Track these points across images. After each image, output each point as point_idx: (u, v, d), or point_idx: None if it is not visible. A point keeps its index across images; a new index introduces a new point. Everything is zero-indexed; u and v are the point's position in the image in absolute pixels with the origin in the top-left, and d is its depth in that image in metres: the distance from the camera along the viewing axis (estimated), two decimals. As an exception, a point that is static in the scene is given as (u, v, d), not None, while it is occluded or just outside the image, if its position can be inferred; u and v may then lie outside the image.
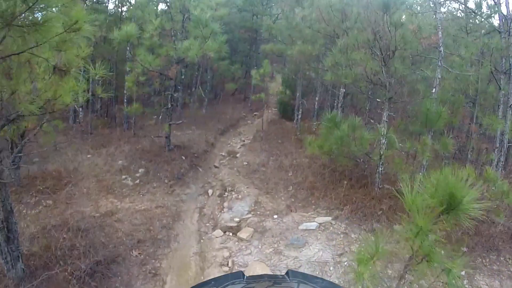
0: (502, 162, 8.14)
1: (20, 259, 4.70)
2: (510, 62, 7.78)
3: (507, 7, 7.53)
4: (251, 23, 19.09)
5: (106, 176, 8.73)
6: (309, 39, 11.50)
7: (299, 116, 13.86)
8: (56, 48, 3.34)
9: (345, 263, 6.13)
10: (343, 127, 7.70)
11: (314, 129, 13.46)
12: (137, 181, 8.95)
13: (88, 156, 10.09)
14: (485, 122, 8.20)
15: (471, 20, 11.16)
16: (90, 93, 13.11)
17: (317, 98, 14.24)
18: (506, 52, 7.72)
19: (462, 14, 11.25)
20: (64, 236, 5.61)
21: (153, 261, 5.85)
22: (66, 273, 4.77)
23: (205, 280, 4.68)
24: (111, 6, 15.73)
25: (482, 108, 9.25)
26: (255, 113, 17.84)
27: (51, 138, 8.73)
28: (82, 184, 8.02)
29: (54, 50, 3.37)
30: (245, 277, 1.97)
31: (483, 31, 9.44)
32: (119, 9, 15.15)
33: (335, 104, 14.58)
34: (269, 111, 14.35)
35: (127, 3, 14.86)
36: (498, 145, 8.04)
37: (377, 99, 8.61)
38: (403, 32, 7.17)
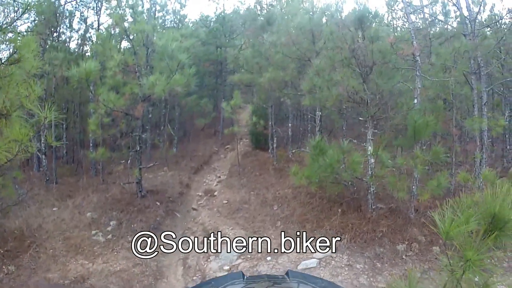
0: (485, 159, 8.20)
1: None
2: (479, 62, 8.04)
3: (469, 10, 7.78)
4: (215, 56, 18.79)
5: (74, 233, 7.59)
6: (280, 64, 10.99)
7: (274, 145, 13.03)
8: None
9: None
10: (331, 152, 7.19)
11: (291, 157, 12.82)
12: (109, 236, 7.86)
13: (54, 209, 8.88)
14: (467, 123, 8.21)
15: (433, 29, 11.58)
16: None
17: (289, 125, 13.71)
18: (474, 53, 7.90)
19: (423, 23, 11.66)
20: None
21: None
22: None
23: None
24: (72, 45, 14.97)
25: (459, 111, 9.37)
26: (227, 146, 17.12)
27: (10, 192, 7.62)
28: (48, 244, 6.86)
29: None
30: (245, 277, 1.94)
31: (450, 37, 9.72)
32: (81, 47, 14.37)
33: (308, 128, 13.90)
34: (241, 143, 13.88)
35: (89, 42, 14.13)
36: (479, 143, 8.16)
37: (360, 118, 8.12)
38: (381, 46, 7.04)
